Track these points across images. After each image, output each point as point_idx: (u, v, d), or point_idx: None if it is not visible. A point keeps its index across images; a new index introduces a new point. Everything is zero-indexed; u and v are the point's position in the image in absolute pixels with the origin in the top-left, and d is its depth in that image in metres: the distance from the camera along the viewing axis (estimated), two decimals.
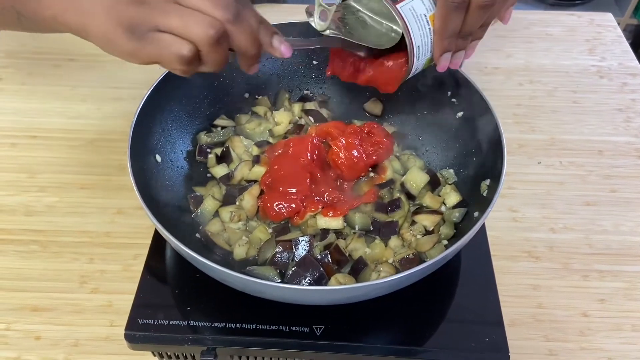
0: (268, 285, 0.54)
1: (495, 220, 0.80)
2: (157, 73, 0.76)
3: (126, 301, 0.69)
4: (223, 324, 0.60)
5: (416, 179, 0.70)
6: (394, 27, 0.57)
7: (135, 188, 0.60)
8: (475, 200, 0.67)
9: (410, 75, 0.62)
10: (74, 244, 0.76)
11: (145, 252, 0.72)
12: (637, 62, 1.07)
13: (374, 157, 0.70)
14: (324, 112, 0.79)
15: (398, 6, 0.56)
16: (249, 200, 0.68)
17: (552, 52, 1.09)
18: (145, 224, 0.77)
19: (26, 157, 0.86)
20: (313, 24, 0.58)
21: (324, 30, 0.58)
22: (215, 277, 0.57)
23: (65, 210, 0.80)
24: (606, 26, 1.15)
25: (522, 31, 1.14)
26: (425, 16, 0.57)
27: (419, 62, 0.60)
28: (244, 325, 0.60)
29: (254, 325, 0.61)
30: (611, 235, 0.80)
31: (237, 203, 0.69)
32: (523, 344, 0.69)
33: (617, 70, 1.05)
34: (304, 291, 0.54)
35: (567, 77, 1.04)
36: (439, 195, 0.70)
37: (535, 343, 0.69)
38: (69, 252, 0.75)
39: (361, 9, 0.59)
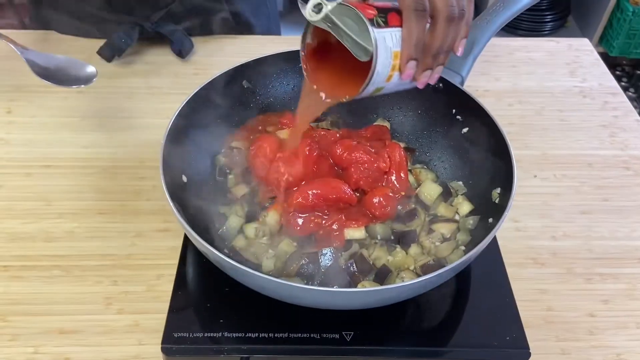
0: (305, 289, 0.56)
1: (500, 230, 0.84)
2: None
3: (153, 320, 0.71)
4: (256, 334, 0.63)
5: (430, 190, 0.74)
6: (367, 47, 0.59)
7: (170, 204, 0.62)
8: (488, 208, 0.71)
9: (358, 96, 0.63)
10: (97, 267, 0.77)
11: (167, 272, 0.75)
12: (615, 82, 1.15)
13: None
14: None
15: (375, 30, 0.58)
16: (272, 216, 0.71)
17: (536, 75, 1.16)
18: (166, 245, 0.80)
19: (41, 185, 0.88)
20: (304, 13, 0.60)
21: (315, 21, 0.60)
22: (251, 285, 0.60)
23: (85, 235, 0.81)
24: (584, 50, 1.24)
25: (506, 56, 1.21)
26: (391, 49, 0.59)
27: (369, 87, 0.61)
28: (276, 335, 0.63)
29: (286, 334, 0.63)
30: (608, 240, 0.85)
31: (260, 220, 0.72)
32: (537, 345, 0.72)
33: (597, 90, 1.13)
34: (340, 293, 0.58)
35: (553, 97, 1.11)
36: (452, 205, 0.75)
37: (548, 343, 0.73)
38: (92, 276, 0.76)
39: (348, 18, 0.60)
